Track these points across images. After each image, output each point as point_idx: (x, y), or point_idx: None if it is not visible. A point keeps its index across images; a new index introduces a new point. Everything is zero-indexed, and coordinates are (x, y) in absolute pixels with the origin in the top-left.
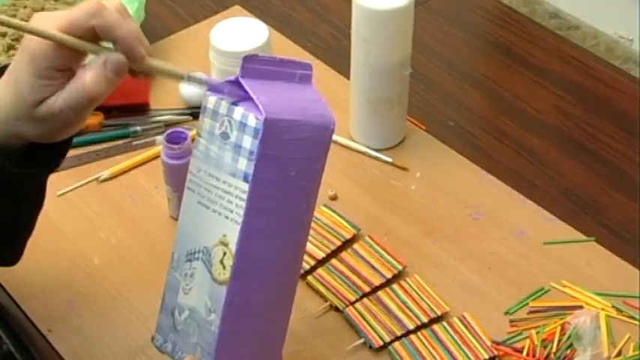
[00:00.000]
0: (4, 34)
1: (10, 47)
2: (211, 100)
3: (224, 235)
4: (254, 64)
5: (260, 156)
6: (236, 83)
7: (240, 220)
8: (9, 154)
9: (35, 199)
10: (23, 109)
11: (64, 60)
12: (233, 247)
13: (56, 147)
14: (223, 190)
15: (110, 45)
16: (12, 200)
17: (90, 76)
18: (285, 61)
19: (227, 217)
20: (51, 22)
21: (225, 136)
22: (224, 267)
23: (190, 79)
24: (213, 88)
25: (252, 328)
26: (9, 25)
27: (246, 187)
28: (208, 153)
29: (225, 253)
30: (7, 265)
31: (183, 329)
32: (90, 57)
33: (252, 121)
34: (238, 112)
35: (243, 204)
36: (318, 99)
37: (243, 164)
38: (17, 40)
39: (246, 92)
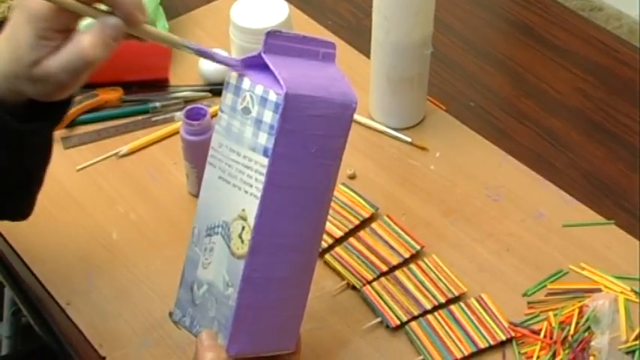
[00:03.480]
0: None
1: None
2: (234, 75)
3: (243, 210)
4: (277, 40)
5: (280, 130)
6: (254, 59)
7: (259, 194)
8: (11, 110)
9: (42, 154)
10: (21, 68)
11: (64, 20)
12: (252, 221)
13: (59, 103)
14: (244, 165)
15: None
16: (18, 155)
17: (88, 40)
18: (308, 39)
19: (246, 192)
20: None
21: (246, 111)
22: (242, 241)
23: (183, 47)
24: (206, 56)
25: (269, 303)
26: None
27: (265, 161)
28: (230, 128)
29: (243, 228)
30: (20, 220)
31: (201, 303)
32: (87, 20)
33: (272, 95)
34: (260, 87)
35: (263, 178)
36: (340, 77)
37: (264, 139)
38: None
39: (268, 67)
